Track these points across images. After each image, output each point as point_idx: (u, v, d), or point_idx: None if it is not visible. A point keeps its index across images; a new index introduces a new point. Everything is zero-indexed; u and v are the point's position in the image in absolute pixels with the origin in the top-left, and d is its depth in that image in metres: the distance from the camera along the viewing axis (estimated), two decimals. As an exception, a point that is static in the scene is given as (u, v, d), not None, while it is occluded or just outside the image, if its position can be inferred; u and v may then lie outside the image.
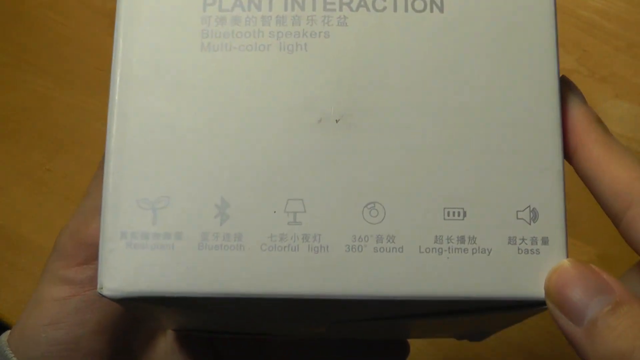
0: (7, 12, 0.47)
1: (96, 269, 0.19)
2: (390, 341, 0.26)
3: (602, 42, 0.41)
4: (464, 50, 0.16)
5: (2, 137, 0.43)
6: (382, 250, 0.16)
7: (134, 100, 0.16)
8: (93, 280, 0.19)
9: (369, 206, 0.16)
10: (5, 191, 0.41)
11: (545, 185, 0.16)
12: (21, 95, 0.44)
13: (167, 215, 0.16)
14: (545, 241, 0.16)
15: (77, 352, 0.19)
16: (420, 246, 0.16)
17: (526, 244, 0.16)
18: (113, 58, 0.17)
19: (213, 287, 0.16)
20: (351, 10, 0.17)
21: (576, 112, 0.16)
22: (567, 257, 0.16)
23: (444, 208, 0.16)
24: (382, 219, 0.16)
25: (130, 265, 0.16)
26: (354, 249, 0.16)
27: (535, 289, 0.16)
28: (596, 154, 0.16)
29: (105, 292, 0.16)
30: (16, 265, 0.39)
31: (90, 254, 0.19)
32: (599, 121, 0.16)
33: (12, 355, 0.19)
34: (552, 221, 0.16)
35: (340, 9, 0.17)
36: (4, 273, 0.39)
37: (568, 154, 0.16)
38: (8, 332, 0.20)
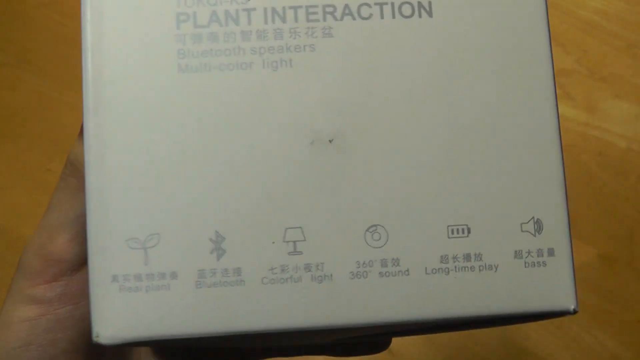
0: (7, 12, 0.47)
1: (65, 286, 0.18)
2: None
3: (602, 42, 0.41)
4: (456, 58, 0.16)
5: (2, 137, 0.43)
6: (387, 274, 0.15)
7: (109, 131, 0.15)
8: (62, 298, 0.19)
9: (370, 229, 0.15)
10: (5, 191, 0.41)
11: (547, 195, 0.16)
12: (21, 95, 0.44)
13: (159, 254, 0.15)
14: (551, 252, 0.16)
15: None
16: (426, 267, 0.15)
17: (532, 256, 0.15)
18: (83, 86, 0.16)
19: (215, 326, 0.15)
20: (335, 19, 0.16)
21: None
22: (573, 267, 0.16)
23: (448, 226, 0.15)
24: (386, 242, 0.15)
25: (125, 311, 0.15)
26: (358, 275, 0.15)
27: (544, 301, 0.15)
28: None
29: (102, 341, 0.15)
30: (16, 265, 0.39)
31: (58, 271, 0.18)
32: None
33: None
34: (557, 231, 0.16)
35: (324, 19, 0.16)
36: (4, 273, 0.39)
37: None
38: None
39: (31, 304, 0.19)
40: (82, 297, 0.19)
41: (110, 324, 0.15)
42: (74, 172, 0.18)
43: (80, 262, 0.19)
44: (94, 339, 0.15)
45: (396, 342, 0.32)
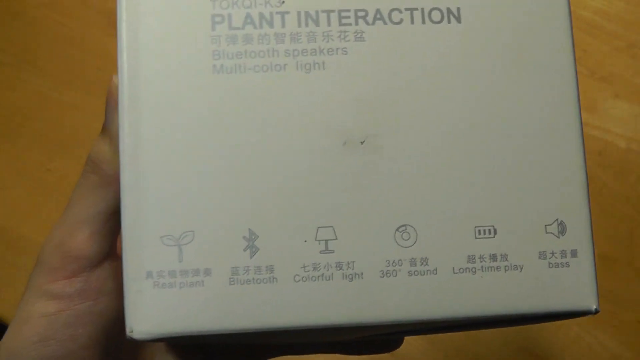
0: (7, 12, 0.47)
1: (84, 282, 0.18)
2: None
3: (602, 42, 0.41)
4: (484, 63, 0.16)
5: (2, 137, 0.43)
6: (416, 273, 0.16)
7: (145, 130, 0.15)
8: (82, 294, 0.19)
9: (400, 229, 0.16)
10: (5, 191, 0.41)
11: (570, 197, 0.16)
12: (21, 95, 0.44)
13: (193, 251, 0.15)
14: (574, 254, 0.16)
15: None
16: (453, 267, 0.16)
17: (556, 257, 0.16)
18: (119, 86, 0.16)
19: (248, 323, 0.15)
20: (367, 24, 0.16)
21: None
22: (595, 269, 0.16)
23: (475, 227, 0.16)
24: (415, 242, 0.16)
25: (160, 306, 0.15)
26: (388, 274, 0.16)
27: (567, 301, 0.16)
28: None
29: (136, 336, 0.15)
30: (16, 265, 0.39)
31: (77, 267, 0.18)
32: None
33: None
34: (580, 233, 0.16)
35: (357, 23, 0.16)
36: (4, 273, 0.39)
37: None
38: None
39: (50, 299, 0.19)
40: (101, 293, 0.19)
41: (145, 319, 0.15)
42: (94, 169, 0.19)
43: (100, 259, 0.19)
44: (128, 333, 0.15)
45: (396, 342, 0.32)
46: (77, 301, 0.19)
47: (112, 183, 0.18)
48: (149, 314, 0.15)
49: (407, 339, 0.36)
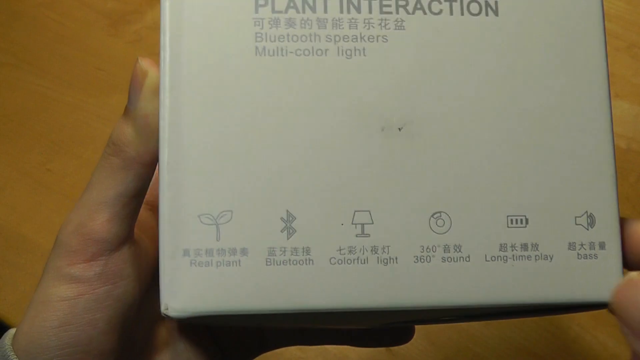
0: (7, 12, 0.47)
1: (104, 265, 0.18)
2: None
3: (602, 42, 0.41)
4: (519, 55, 0.16)
5: (2, 137, 0.43)
6: (449, 260, 0.16)
7: (186, 109, 0.16)
8: (101, 277, 0.18)
9: (435, 216, 0.16)
10: (5, 191, 0.41)
11: (600, 190, 0.16)
12: (21, 95, 0.44)
13: (231, 231, 0.15)
14: (602, 246, 0.16)
15: (88, 354, 0.18)
16: (486, 255, 0.16)
17: (585, 249, 0.16)
18: (161, 65, 0.16)
19: (283, 303, 0.15)
20: (408, 13, 0.16)
21: (638, 225, 0.17)
22: (622, 261, 0.16)
23: (507, 216, 0.16)
24: (449, 229, 0.16)
25: (196, 284, 0.15)
26: (422, 260, 0.16)
27: (595, 293, 0.16)
28: None
29: (171, 313, 0.15)
30: (16, 265, 0.39)
31: (97, 250, 0.18)
32: None
33: None
34: (608, 226, 0.16)
35: (397, 12, 0.16)
36: (4, 273, 0.39)
37: None
38: (8, 334, 0.19)
39: (70, 282, 0.18)
40: (119, 277, 0.19)
41: (181, 297, 0.15)
42: (116, 152, 0.18)
43: (119, 242, 0.18)
44: (163, 311, 0.15)
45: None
46: (96, 285, 0.18)
47: (133, 166, 0.18)
48: (184, 292, 0.15)
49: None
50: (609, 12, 0.42)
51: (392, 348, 0.35)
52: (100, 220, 0.18)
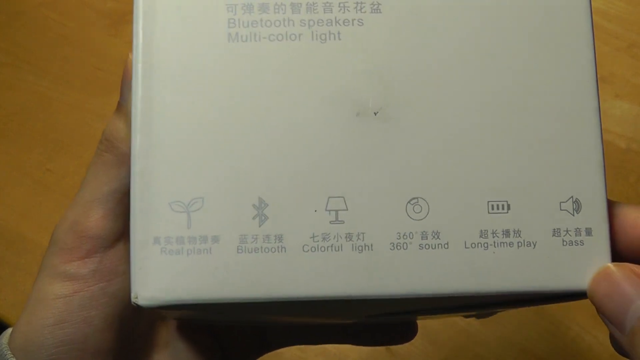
0: (7, 12, 0.47)
1: (99, 262, 0.18)
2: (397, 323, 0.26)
3: (602, 42, 0.41)
4: (501, 36, 0.16)
5: (2, 137, 0.43)
6: (427, 247, 0.15)
7: (158, 96, 0.15)
8: (96, 274, 0.18)
9: (412, 202, 0.15)
10: (5, 191, 0.41)
11: (586, 175, 0.16)
12: (21, 95, 0.44)
13: (202, 218, 0.15)
14: (588, 232, 0.16)
15: (84, 352, 0.18)
16: (465, 241, 0.15)
17: (570, 235, 0.16)
18: (133, 52, 0.16)
19: (255, 292, 0.15)
20: None
21: (628, 209, 0.16)
22: (610, 248, 0.16)
23: (488, 201, 0.16)
24: (426, 215, 0.15)
25: (166, 272, 0.15)
26: (398, 247, 0.15)
27: (581, 281, 0.15)
28: None
29: (140, 302, 0.15)
30: (16, 265, 0.39)
31: (91, 247, 0.18)
32: None
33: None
34: (595, 211, 0.16)
35: None
36: (4, 273, 0.39)
37: (633, 248, 0.16)
38: (5, 333, 0.19)
39: (65, 280, 0.18)
40: (115, 273, 0.19)
41: (151, 286, 0.15)
42: (109, 148, 0.18)
43: (114, 239, 0.18)
44: (133, 300, 0.15)
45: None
46: (92, 282, 0.18)
47: (127, 161, 0.17)
48: (154, 281, 0.15)
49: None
50: (609, 12, 0.42)
51: (392, 348, 0.35)
52: (94, 217, 0.18)
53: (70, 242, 0.18)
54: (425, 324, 0.34)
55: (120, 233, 0.19)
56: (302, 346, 0.35)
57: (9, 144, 0.42)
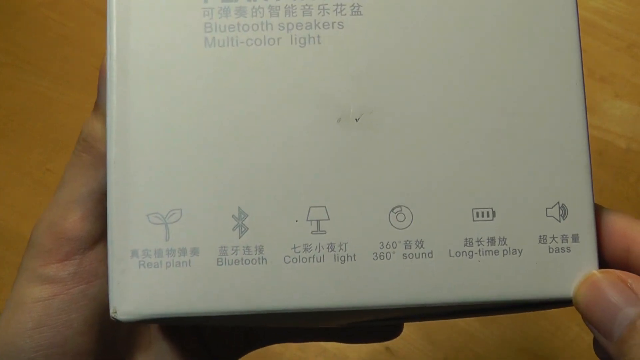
0: (7, 12, 0.47)
1: (78, 265, 0.18)
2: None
3: (602, 42, 0.41)
4: (485, 40, 0.16)
5: (2, 137, 0.43)
6: (411, 256, 0.15)
7: (134, 104, 0.15)
8: (75, 277, 0.18)
9: (395, 210, 0.15)
10: (5, 191, 0.41)
11: (573, 180, 0.15)
12: (21, 95, 0.44)
13: (180, 230, 0.15)
14: (575, 238, 0.15)
15: (64, 355, 0.18)
16: (450, 250, 0.15)
17: (557, 242, 0.15)
18: (107, 58, 0.15)
19: (235, 305, 0.15)
20: None
21: (615, 216, 0.16)
22: (597, 254, 0.15)
23: (473, 209, 0.15)
24: (410, 224, 0.15)
25: (145, 286, 0.15)
26: (382, 257, 0.15)
27: (567, 288, 0.15)
28: None
29: (119, 317, 0.15)
30: (16, 265, 0.39)
31: (70, 249, 0.18)
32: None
33: None
34: (582, 217, 0.15)
35: None
36: (4, 273, 0.39)
37: (621, 256, 0.16)
38: None
39: (44, 283, 0.18)
40: (94, 276, 0.18)
41: (129, 300, 0.15)
42: (86, 148, 0.18)
43: (93, 240, 0.18)
44: (112, 314, 0.15)
45: (396, 341, 0.32)
46: (71, 285, 0.18)
47: (104, 162, 0.17)
48: (133, 295, 0.15)
49: (407, 338, 0.36)
50: (609, 12, 0.42)
51: (391, 348, 0.35)
52: (72, 218, 0.18)
53: (48, 244, 0.18)
54: (425, 324, 0.34)
55: (99, 234, 0.18)
56: (302, 346, 0.35)
57: (9, 144, 0.42)
